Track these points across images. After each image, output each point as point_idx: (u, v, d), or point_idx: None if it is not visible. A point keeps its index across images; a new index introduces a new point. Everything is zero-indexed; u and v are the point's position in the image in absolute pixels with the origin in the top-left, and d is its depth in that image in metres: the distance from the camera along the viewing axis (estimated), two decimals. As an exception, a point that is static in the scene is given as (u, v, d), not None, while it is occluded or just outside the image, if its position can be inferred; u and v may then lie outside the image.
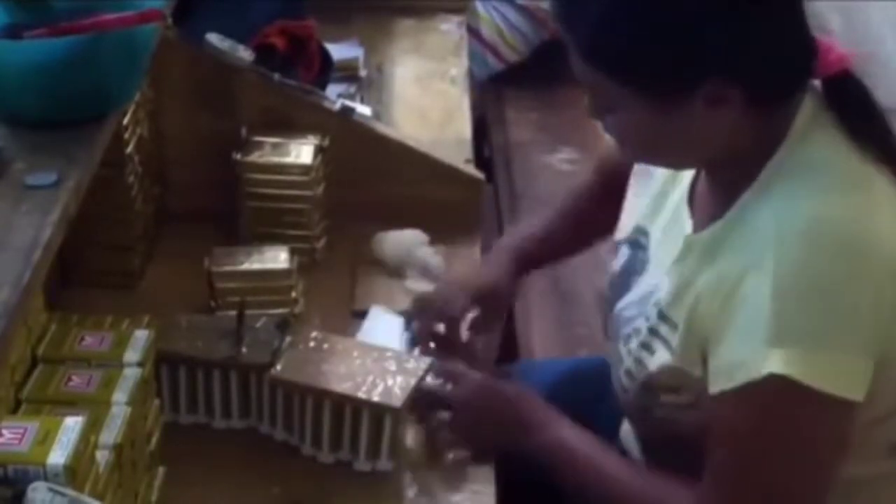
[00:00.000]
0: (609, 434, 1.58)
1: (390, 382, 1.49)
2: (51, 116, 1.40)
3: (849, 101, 1.34)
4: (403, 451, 1.52)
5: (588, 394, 1.63)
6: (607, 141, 1.48)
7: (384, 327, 1.72)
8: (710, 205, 1.39)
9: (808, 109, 1.34)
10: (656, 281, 1.43)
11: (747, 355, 1.27)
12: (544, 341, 2.04)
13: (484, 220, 2.03)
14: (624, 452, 1.56)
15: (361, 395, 1.48)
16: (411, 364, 1.53)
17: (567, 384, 1.75)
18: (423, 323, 1.67)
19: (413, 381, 1.50)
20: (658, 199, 1.49)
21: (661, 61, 1.27)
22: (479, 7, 3.05)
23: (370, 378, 1.49)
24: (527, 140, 2.89)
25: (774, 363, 1.25)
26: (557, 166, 2.80)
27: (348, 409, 1.49)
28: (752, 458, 1.31)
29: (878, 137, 1.34)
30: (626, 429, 1.58)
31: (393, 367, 1.51)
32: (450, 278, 1.78)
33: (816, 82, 1.35)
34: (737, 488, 1.33)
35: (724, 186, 1.36)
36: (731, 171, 1.35)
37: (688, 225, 1.41)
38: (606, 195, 1.63)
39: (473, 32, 3.00)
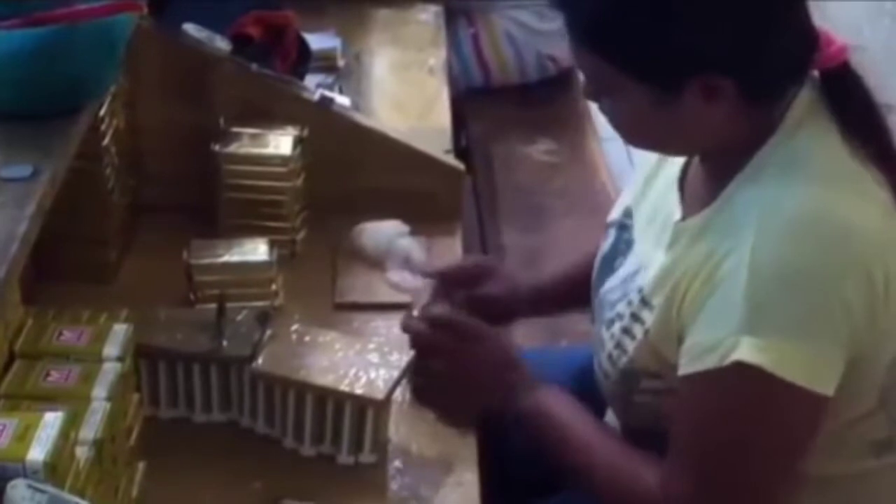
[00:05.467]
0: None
1: (373, 375, 1.48)
2: (26, 108, 1.38)
3: (845, 94, 1.34)
4: (386, 444, 1.51)
5: (571, 383, 1.63)
6: None
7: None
8: (702, 192, 1.39)
9: (805, 100, 1.33)
10: (638, 264, 1.43)
11: (718, 340, 1.28)
12: (526, 331, 2.03)
13: (463, 210, 2.02)
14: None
15: (344, 387, 1.47)
16: (394, 356, 1.51)
17: (550, 374, 1.74)
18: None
19: (396, 374, 1.49)
20: (648, 181, 1.50)
21: (656, 49, 1.27)
22: (495, 17, 2.97)
23: (353, 370, 1.48)
24: (505, 130, 2.88)
25: (743, 351, 1.25)
26: (536, 157, 2.79)
27: (331, 402, 1.47)
28: (716, 441, 1.31)
29: (871, 133, 1.33)
30: (609, 418, 1.58)
31: (376, 360, 1.50)
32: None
33: (816, 73, 1.35)
34: (701, 470, 1.33)
35: (716, 174, 1.36)
36: (725, 159, 1.35)
37: (677, 211, 1.41)
38: None
39: (475, 41, 2.97)
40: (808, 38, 1.32)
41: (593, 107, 3.14)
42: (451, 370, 1.53)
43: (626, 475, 1.40)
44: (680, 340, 1.33)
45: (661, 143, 1.39)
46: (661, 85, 1.29)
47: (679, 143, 1.38)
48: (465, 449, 1.52)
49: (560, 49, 2.94)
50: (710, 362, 1.28)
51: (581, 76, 1.37)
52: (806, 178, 1.30)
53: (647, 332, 1.38)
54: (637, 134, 1.37)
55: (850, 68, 1.34)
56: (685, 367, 1.31)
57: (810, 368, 1.26)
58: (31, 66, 1.36)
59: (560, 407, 1.48)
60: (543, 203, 2.60)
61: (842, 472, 1.38)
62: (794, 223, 1.28)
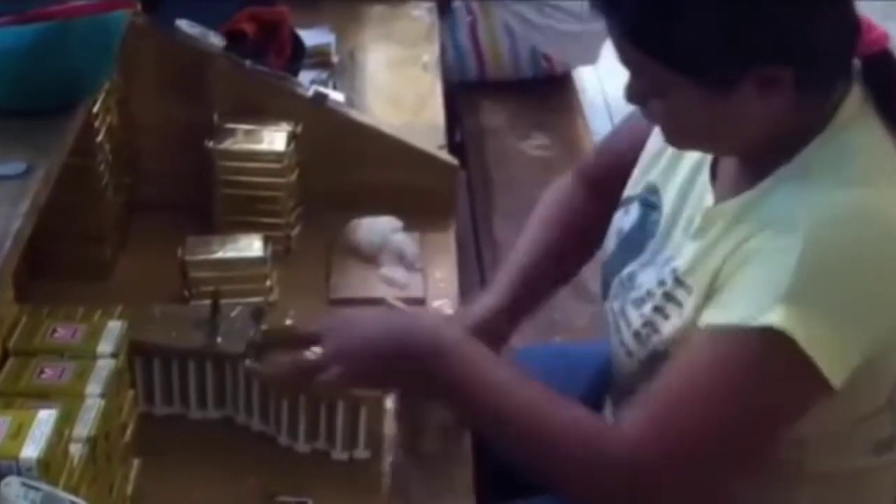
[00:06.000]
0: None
1: (367, 371, 1.48)
2: (20, 105, 1.38)
3: (887, 81, 1.31)
4: (381, 440, 1.51)
5: (566, 379, 1.62)
6: (591, 147, 1.42)
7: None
8: (738, 178, 1.35)
9: (856, 98, 1.31)
10: (671, 251, 1.40)
11: (753, 301, 1.24)
12: (520, 327, 2.03)
13: (458, 206, 2.02)
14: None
15: (338, 383, 1.47)
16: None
17: (544, 370, 1.74)
18: None
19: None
20: (674, 159, 1.45)
21: (712, 44, 1.24)
22: (495, 8, 2.95)
23: (347, 367, 1.48)
24: (499, 126, 2.88)
25: (778, 316, 1.22)
26: (530, 152, 2.80)
27: (325, 398, 1.47)
28: (707, 398, 1.26)
29: None
30: (607, 413, 1.57)
31: (370, 356, 1.50)
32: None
33: (857, 63, 1.32)
34: (675, 421, 1.27)
35: (757, 162, 1.33)
36: (768, 150, 1.32)
37: (709, 196, 1.38)
38: (596, 214, 1.56)
39: (473, 29, 2.97)
40: (853, 23, 1.29)
41: (587, 103, 3.15)
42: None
43: (583, 442, 1.31)
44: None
45: (713, 142, 1.35)
46: (717, 79, 1.25)
47: (731, 140, 1.33)
48: (460, 445, 1.52)
49: (556, 49, 2.94)
50: (736, 318, 1.25)
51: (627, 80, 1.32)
52: (854, 177, 1.28)
53: (684, 316, 1.34)
54: (689, 134, 1.34)
55: (891, 54, 1.31)
56: (708, 317, 1.28)
57: (834, 353, 1.24)
58: (25, 63, 1.36)
59: (484, 368, 1.36)
60: (537, 198, 2.59)
61: (842, 469, 1.37)
62: (847, 220, 1.26)
